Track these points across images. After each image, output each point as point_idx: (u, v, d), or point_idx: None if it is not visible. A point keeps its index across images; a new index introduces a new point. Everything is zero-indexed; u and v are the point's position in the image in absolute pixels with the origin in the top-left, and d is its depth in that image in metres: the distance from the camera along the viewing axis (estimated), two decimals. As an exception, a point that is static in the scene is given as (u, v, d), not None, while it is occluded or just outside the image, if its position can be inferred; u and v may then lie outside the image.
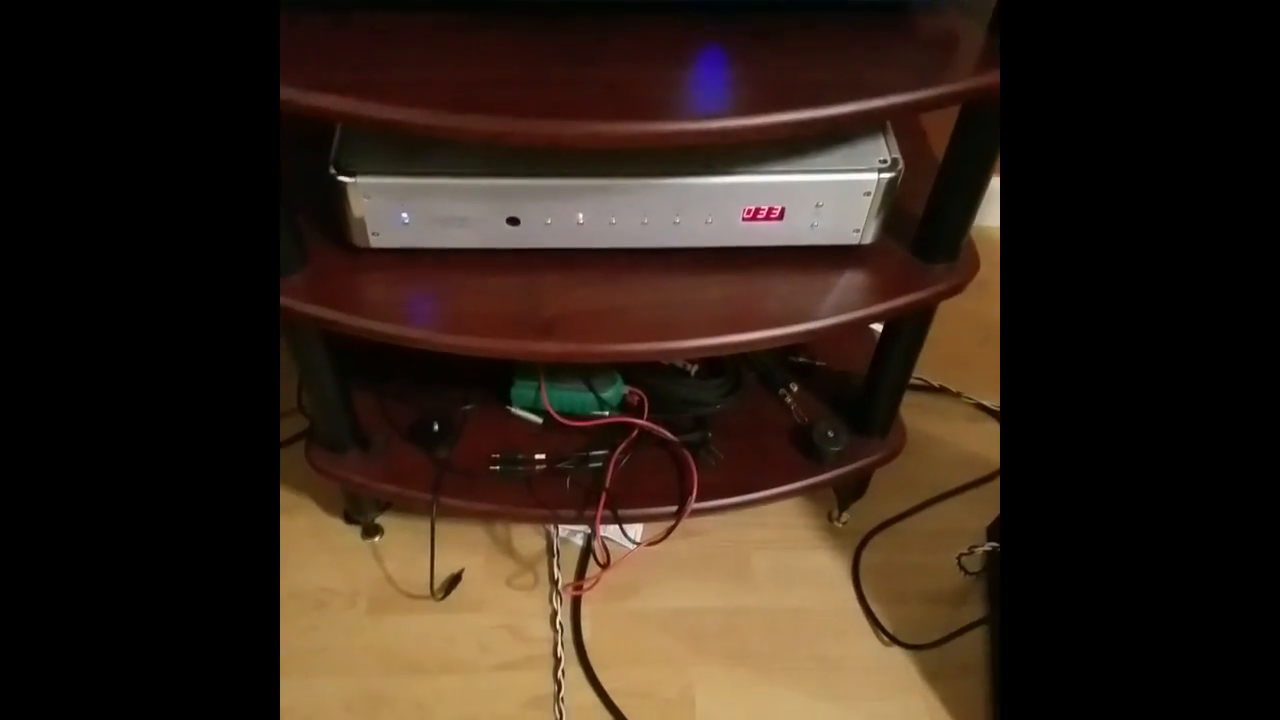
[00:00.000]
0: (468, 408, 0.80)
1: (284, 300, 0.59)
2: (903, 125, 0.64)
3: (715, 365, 0.82)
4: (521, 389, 0.79)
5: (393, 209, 0.58)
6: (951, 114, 0.56)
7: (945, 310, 0.67)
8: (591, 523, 0.76)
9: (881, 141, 0.60)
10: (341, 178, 0.57)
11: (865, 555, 0.87)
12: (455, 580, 0.83)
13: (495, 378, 0.80)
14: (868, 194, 0.59)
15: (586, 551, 0.86)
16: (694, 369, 0.82)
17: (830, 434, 0.78)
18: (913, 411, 0.86)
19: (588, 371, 0.78)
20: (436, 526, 0.77)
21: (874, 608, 0.83)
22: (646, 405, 0.78)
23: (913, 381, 0.95)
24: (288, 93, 0.47)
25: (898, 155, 0.59)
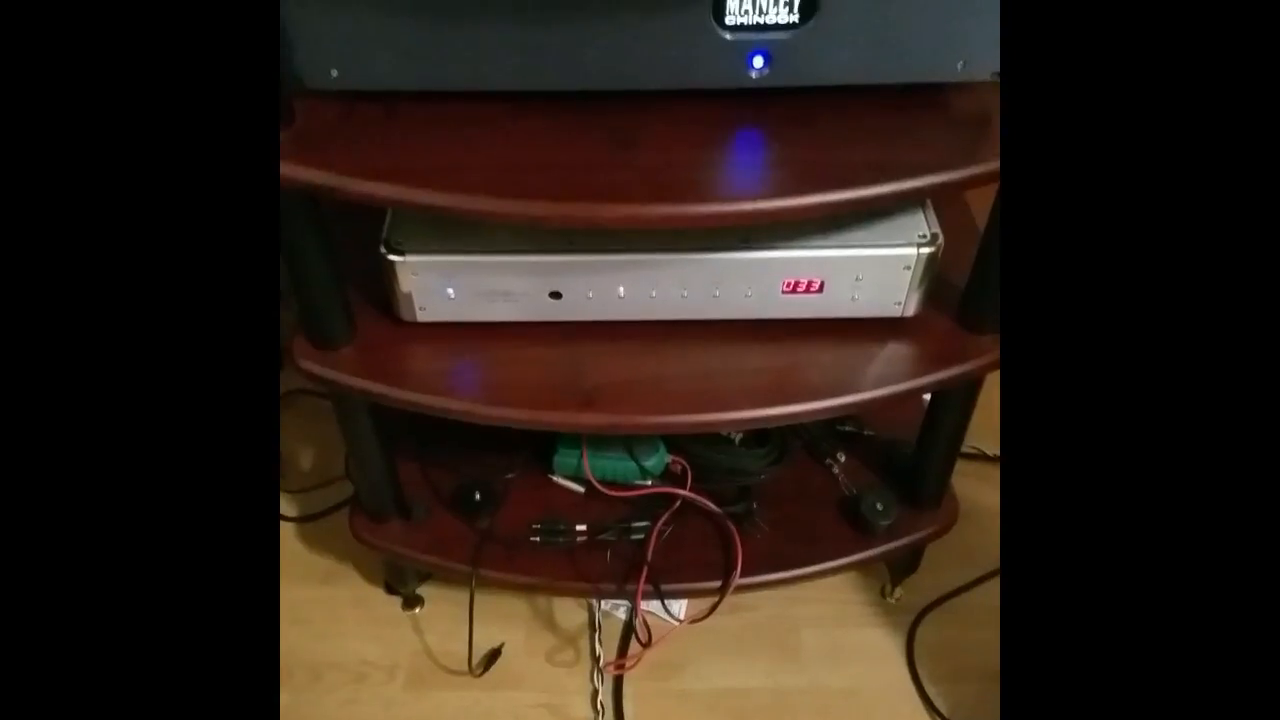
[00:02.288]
0: (510, 476, 0.81)
1: (332, 373, 0.61)
2: (945, 195, 0.64)
3: (760, 434, 0.81)
4: (564, 457, 0.79)
5: (439, 285, 0.60)
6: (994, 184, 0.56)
7: (999, 377, 0.65)
8: (632, 597, 0.74)
9: (921, 216, 0.60)
10: (391, 256, 0.58)
11: (920, 632, 0.83)
12: (495, 655, 0.82)
13: (538, 445, 0.81)
14: (908, 268, 0.59)
15: (630, 626, 0.84)
16: (739, 437, 0.81)
17: (879, 506, 0.76)
18: (968, 481, 0.83)
19: (630, 440, 0.78)
20: (477, 599, 0.76)
21: (929, 688, 0.79)
22: (690, 474, 0.77)
23: (967, 450, 0.93)
24: (340, 180, 0.49)
25: (937, 230, 0.59)
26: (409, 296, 0.61)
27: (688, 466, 0.77)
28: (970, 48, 0.51)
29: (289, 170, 0.49)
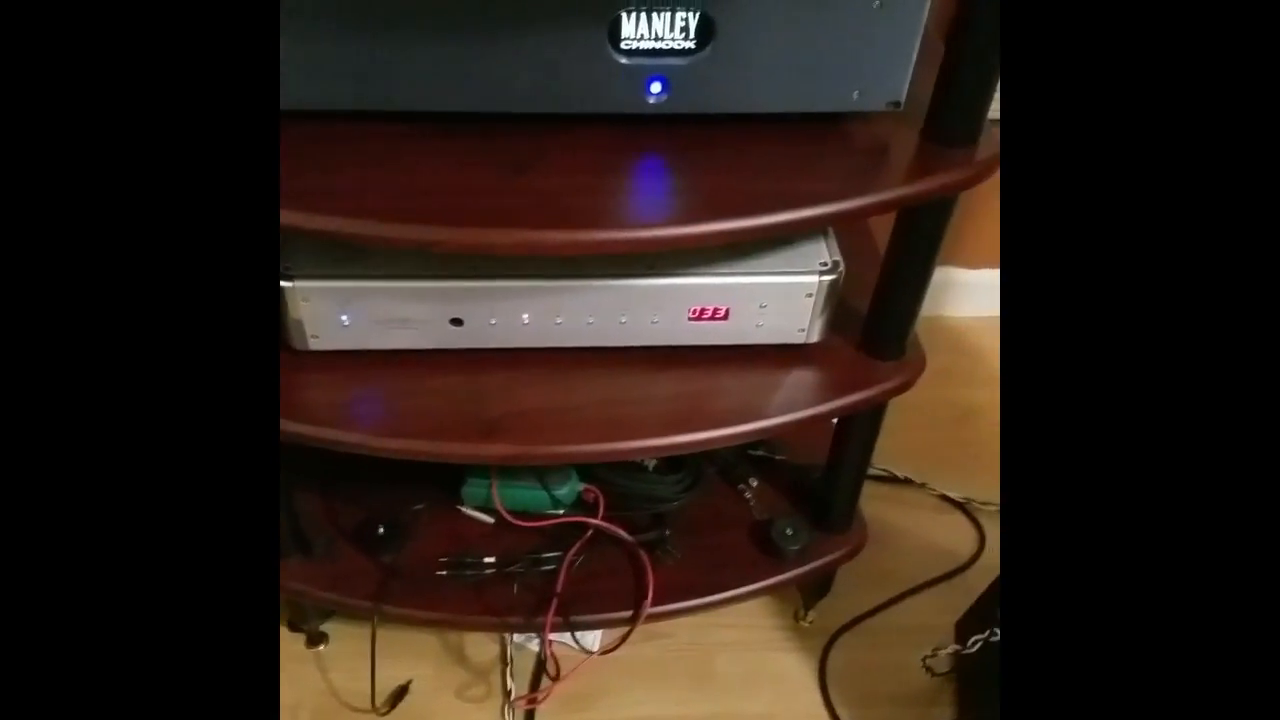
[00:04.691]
0: (417, 508, 0.78)
1: (218, 405, 0.58)
2: (847, 223, 0.65)
3: (674, 460, 0.80)
4: (473, 487, 0.77)
5: (332, 311, 0.58)
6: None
7: (909, 399, 0.66)
8: (541, 630, 0.72)
9: (823, 244, 0.60)
10: (280, 281, 0.56)
11: (832, 655, 0.84)
12: (402, 692, 0.79)
13: (447, 476, 0.78)
14: (810, 295, 0.59)
15: (542, 659, 0.82)
16: (652, 464, 0.80)
17: (789, 531, 0.76)
18: (877, 504, 0.84)
19: (541, 469, 0.77)
20: (384, 634, 0.73)
21: (840, 712, 0.80)
22: (603, 503, 0.76)
23: (876, 473, 0.94)
24: (216, 203, 0.46)
25: (839, 258, 0.60)
26: (299, 323, 0.58)
27: (601, 495, 0.76)
28: (865, 78, 0.52)
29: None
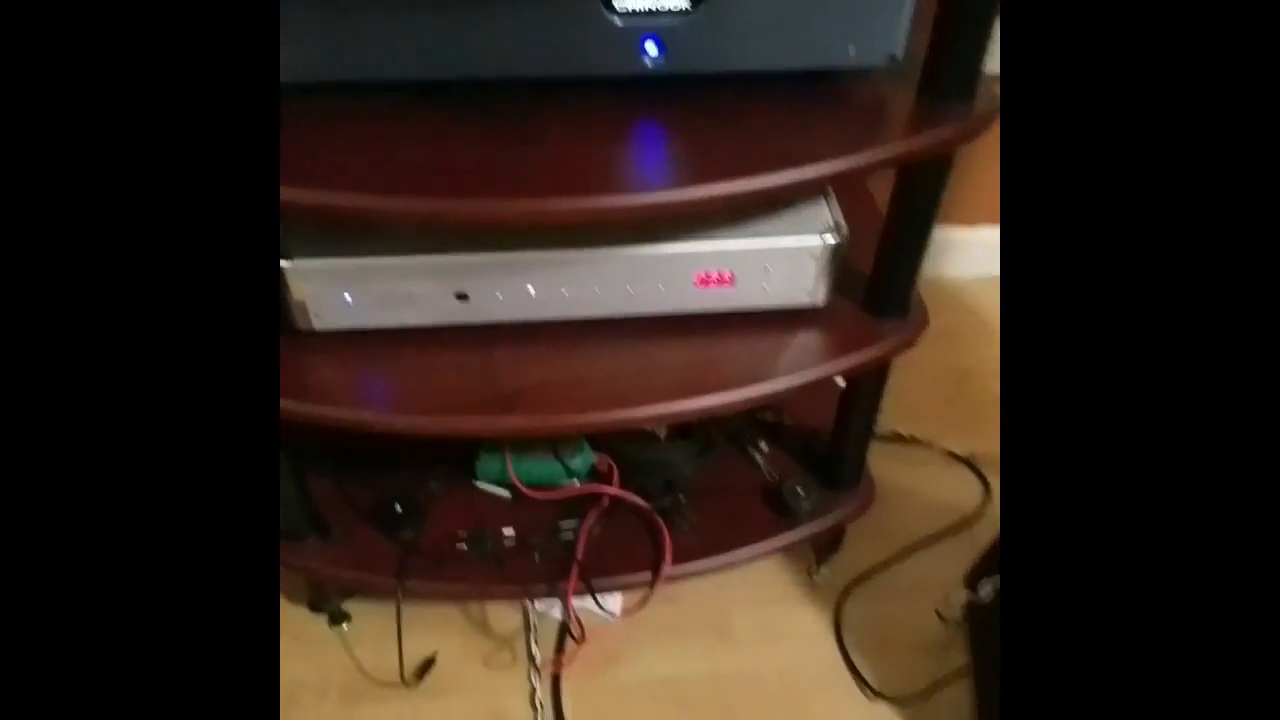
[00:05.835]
0: (432, 486, 0.79)
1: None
2: (848, 186, 0.65)
3: (684, 427, 0.81)
4: (487, 463, 0.78)
5: (334, 291, 0.58)
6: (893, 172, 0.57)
7: (912, 359, 0.67)
8: (564, 596, 0.74)
9: (824, 206, 0.61)
10: (280, 261, 0.56)
11: (846, 609, 0.86)
12: (429, 664, 0.81)
13: (460, 453, 0.79)
14: (814, 257, 0.60)
15: (564, 624, 0.84)
16: (663, 432, 0.81)
17: (800, 491, 0.77)
18: (884, 462, 0.85)
19: (554, 441, 0.78)
20: (407, 609, 0.75)
21: (857, 661, 0.82)
22: (616, 472, 0.77)
23: (882, 432, 0.95)
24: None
25: (840, 219, 0.60)
26: (302, 305, 0.58)
27: (614, 465, 0.77)
28: (861, 33, 0.52)
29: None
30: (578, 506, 0.77)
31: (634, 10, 0.49)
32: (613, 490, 0.76)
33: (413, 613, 0.76)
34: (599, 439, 0.79)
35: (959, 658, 0.82)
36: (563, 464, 0.77)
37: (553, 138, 0.51)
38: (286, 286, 0.57)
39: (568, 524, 0.77)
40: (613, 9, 0.49)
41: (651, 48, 0.51)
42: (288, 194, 0.47)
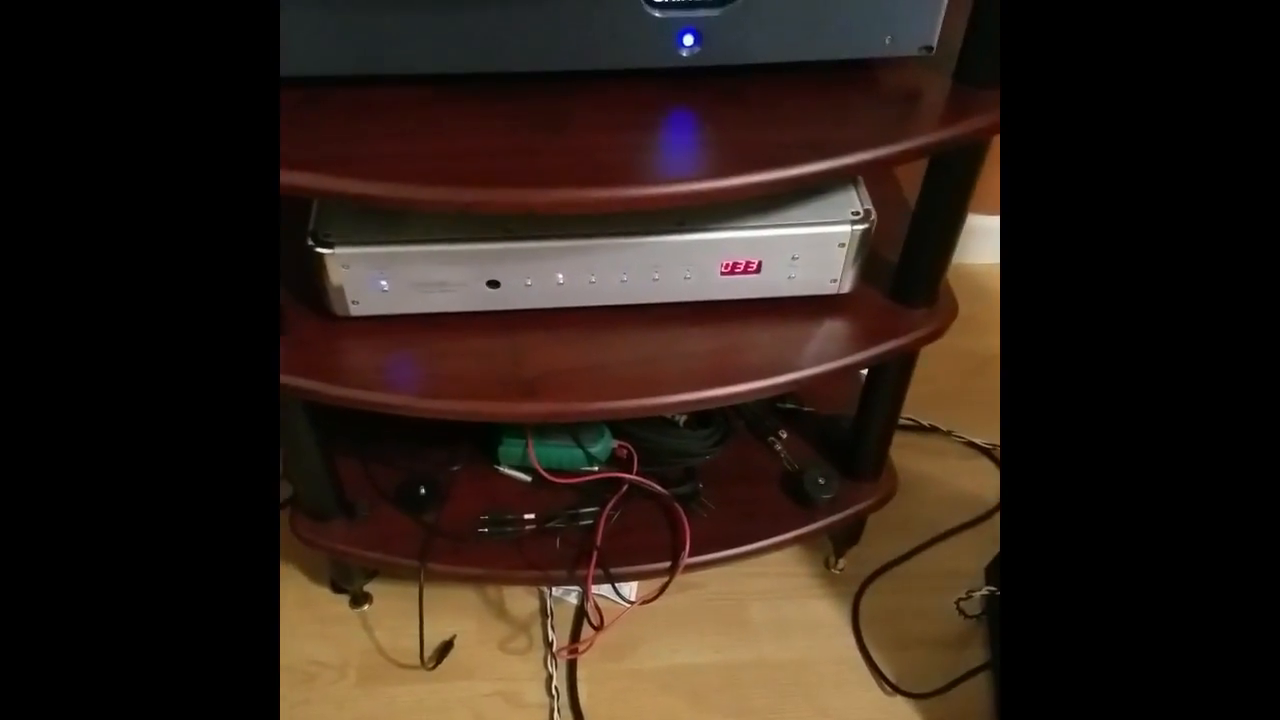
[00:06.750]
0: (455, 469, 0.80)
1: (263, 372, 0.59)
2: (875, 173, 0.65)
3: (704, 415, 0.81)
4: (509, 447, 0.79)
5: (371, 277, 0.58)
6: (923, 160, 0.57)
7: (932, 348, 0.67)
8: (583, 582, 0.74)
9: (854, 193, 0.61)
10: (319, 249, 0.57)
11: (864, 601, 0.86)
12: (447, 647, 0.81)
13: (482, 436, 0.80)
14: (842, 245, 0.60)
15: (581, 610, 0.84)
16: (683, 419, 0.81)
17: (821, 481, 0.77)
18: (905, 452, 0.85)
19: (575, 427, 0.78)
20: (427, 592, 0.75)
21: (875, 655, 0.82)
22: (636, 458, 0.77)
23: (903, 422, 0.95)
24: (260, 171, 0.47)
25: (869, 206, 0.60)
26: (340, 290, 0.59)
27: (633, 451, 0.78)
28: (897, 22, 0.51)
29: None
30: (597, 492, 0.78)
31: (672, 1, 0.49)
32: (632, 477, 0.77)
33: (431, 595, 0.77)
34: (619, 425, 0.79)
35: (979, 653, 0.82)
36: (583, 449, 0.77)
37: (585, 127, 0.51)
38: (326, 272, 0.58)
39: (587, 510, 0.77)
40: (651, 1, 0.49)
41: (688, 39, 0.51)
42: (332, 183, 0.47)
